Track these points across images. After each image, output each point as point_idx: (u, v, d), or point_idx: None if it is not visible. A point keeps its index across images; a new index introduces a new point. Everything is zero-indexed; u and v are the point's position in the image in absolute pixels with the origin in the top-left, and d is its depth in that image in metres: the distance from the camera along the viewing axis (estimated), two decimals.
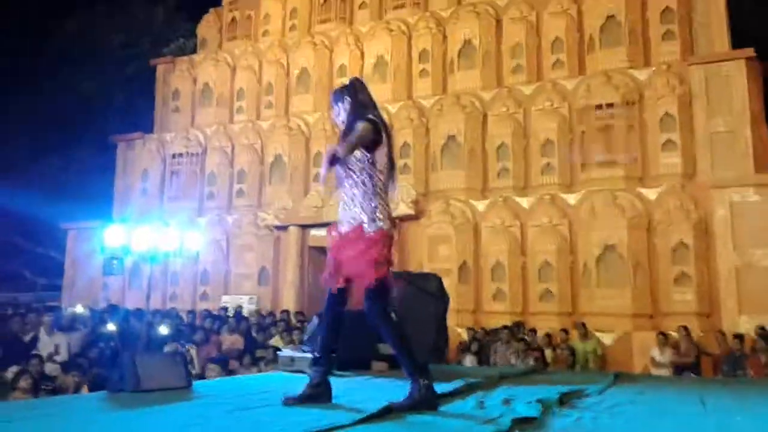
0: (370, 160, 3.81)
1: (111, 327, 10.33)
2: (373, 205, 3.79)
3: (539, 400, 3.67)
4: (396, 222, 4.04)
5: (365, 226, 3.76)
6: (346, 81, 14.78)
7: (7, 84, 21.78)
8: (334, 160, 3.63)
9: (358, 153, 3.80)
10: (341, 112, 3.99)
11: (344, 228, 3.85)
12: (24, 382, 6.76)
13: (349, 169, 3.83)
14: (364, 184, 3.80)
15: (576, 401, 3.86)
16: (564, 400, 3.80)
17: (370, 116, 3.86)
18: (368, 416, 3.25)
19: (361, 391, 4.59)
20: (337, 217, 3.93)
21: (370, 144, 3.81)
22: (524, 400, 3.75)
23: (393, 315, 3.87)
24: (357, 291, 3.84)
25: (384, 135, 3.88)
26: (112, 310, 11.61)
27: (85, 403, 4.17)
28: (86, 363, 8.52)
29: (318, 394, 3.79)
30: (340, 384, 4.79)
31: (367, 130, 3.77)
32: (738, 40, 13.04)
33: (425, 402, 3.53)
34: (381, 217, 3.78)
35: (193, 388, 4.70)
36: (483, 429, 2.90)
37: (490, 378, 5.12)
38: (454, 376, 4.81)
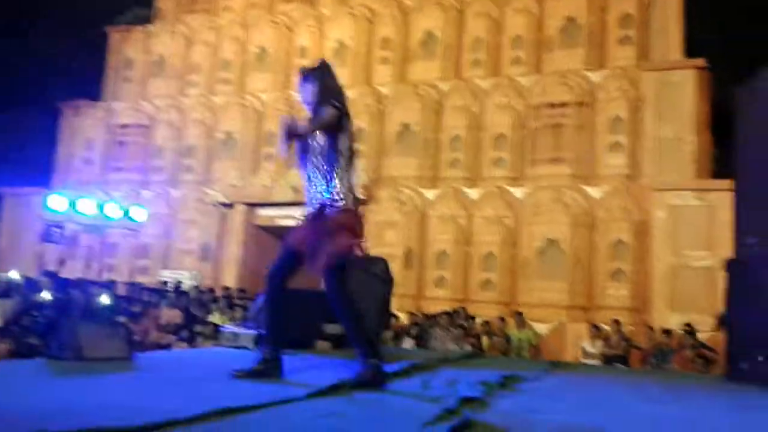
0: (332, 146, 3.84)
1: (46, 295, 10.07)
2: (334, 186, 3.82)
3: (482, 383, 3.76)
4: (360, 206, 4.05)
5: (327, 206, 3.79)
6: (306, 62, 14.72)
7: None
8: (291, 135, 3.67)
9: (320, 137, 3.85)
10: (308, 94, 3.99)
11: (309, 210, 3.88)
12: None
13: (312, 152, 3.87)
14: (324, 166, 3.83)
15: (516, 385, 3.97)
16: (505, 383, 3.90)
17: (336, 103, 3.88)
18: (318, 392, 3.27)
19: (307, 369, 4.61)
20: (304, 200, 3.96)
21: (333, 129, 3.83)
22: (467, 382, 3.83)
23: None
24: (314, 268, 3.85)
25: (347, 122, 3.91)
26: (49, 276, 11.29)
27: (22, 369, 4.07)
28: (19, 331, 8.29)
29: (269, 370, 3.79)
30: (284, 362, 4.81)
31: (333, 116, 3.80)
32: (691, 50, 13.46)
33: (374, 380, 3.59)
34: (342, 197, 3.81)
35: (134, 360, 4.64)
36: (430, 407, 2.96)
37: (432, 361, 5.21)
38: (397, 358, 4.87)
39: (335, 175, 3.82)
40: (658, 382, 5.03)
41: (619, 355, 10.46)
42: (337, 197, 3.80)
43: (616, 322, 10.98)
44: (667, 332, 10.31)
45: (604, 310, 11.96)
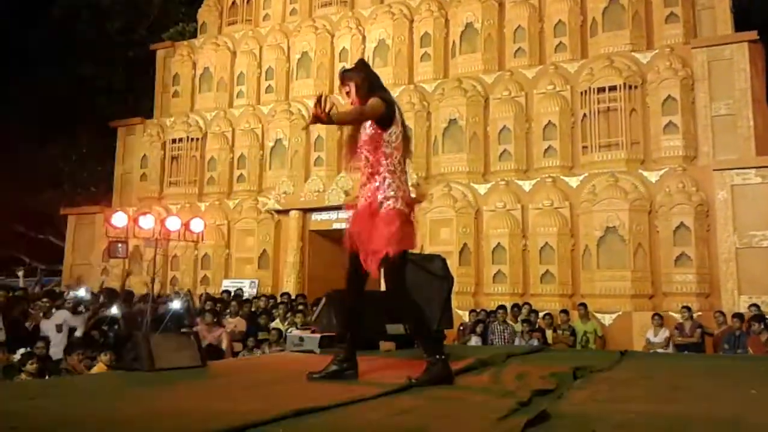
0: (385, 139, 3.81)
1: (114, 310, 10.37)
2: (386, 183, 3.79)
3: (552, 374, 3.73)
4: (413, 201, 4.00)
5: (378, 203, 3.76)
6: (347, 65, 14.77)
7: (6, 69, 21.68)
8: (317, 119, 3.62)
9: (370, 130, 3.80)
10: (351, 91, 3.97)
11: (360, 203, 3.87)
12: (30, 365, 6.79)
13: (364, 147, 3.84)
14: (378, 162, 3.79)
15: (588, 376, 3.91)
16: (577, 374, 3.85)
17: (385, 94, 3.87)
18: (389, 391, 3.29)
19: (375, 370, 4.64)
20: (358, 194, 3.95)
21: (383, 122, 3.79)
22: (538, 375, 3.80)
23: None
24: (370, 267, 3.85)
25: (397, 113, 3.88)
26: (111, 293, 11.65)
27: (105, 381, 4.21)
28: (91, 345, 8.56)
29: (344, 370, 3.82)
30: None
31: (377, 104, 3.75)
32: (740, 23, 13.05)
33: (442, 376, 3.58)
34: (393, 195, 3.77)
35: (207, 368, 4.75)
36: (503, 401, 2.94)
37: (499, 356, 5.18)
38: (463, 355, 4.86)
39: (384, 171, 3.78)
40: (732, 367, 4.89)
41: (693, 343, 10.20)
42: (386, 195, 3.76)
43: (687, 308, 10.71)
44: (738, 316, 10.01)
45: (671, 296, 11.68)
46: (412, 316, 3.86)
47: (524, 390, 3.20)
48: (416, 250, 13.44)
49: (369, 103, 3.77)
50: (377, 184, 3.80)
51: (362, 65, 4.10)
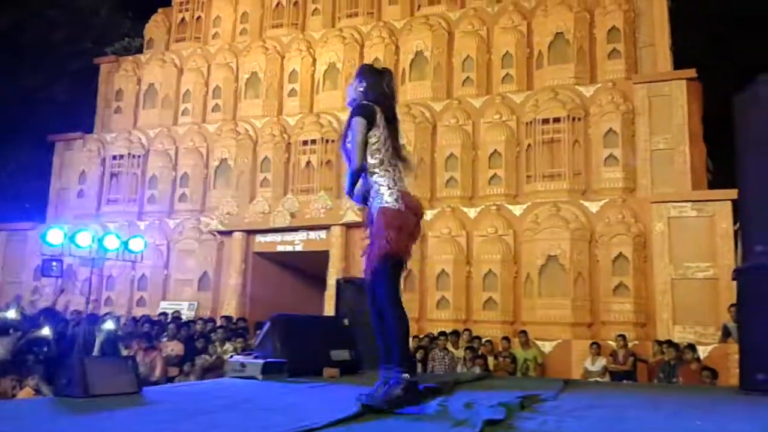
0: (370, 143, 3.83)
1: (46, 332, 9.92)
2: (377, 183, 3.80)
3: (501, 404, 3.70)
4: (411, 199, 3.90)
5: (371, 206, 3.81)
6: (297, 87, 14.69)
7: None
8: (355, 179, 3.82)
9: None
10: (348, 95, 4.14)
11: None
12: None
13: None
14: (367, 164, 3.83)
15: (536, 405, 3.90)
16: (525, 404, 3.83)
17: (363, 102, 3.91)
18: (342, 418, 3.20)
19: (319, 395, 4.55)
20: None
21: (369, 126, 3.84)
22: (486, 404, 3.77)
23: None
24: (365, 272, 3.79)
25: (378, 116, 3.88)
26: (48, 313, 11.17)
27: (34, 408, 3.98)
28: (21, 368, 8.15)
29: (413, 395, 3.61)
30: (295, 390, 4.74)
31: (360, 125, 3.80)
32: (679, 62, 13.61)
33: (407, 397, 3.51)
34: (384, 192, 3.76)
35: (142, 394, 4.55)
36: (455, 431, 2.89)
37: (446, 383, 5.14)
38: None
39: (376, 173, 3.79)
40: (673, 397, 4.98)
41: (626, 371, 10.40)
42: (379, 196, 3.75)
43: (622, 337, 10.93)
44: (673, 345, 10.27)
45: (609, 325, 11.91)
46: (396, 324, 3.71)
47: (475, 419, 3.16)
48: (361, 275, 13.37)
49: (354, 132, 3.83)
50: (369, 187, 3.84)
51: (360, 73, 4.11)
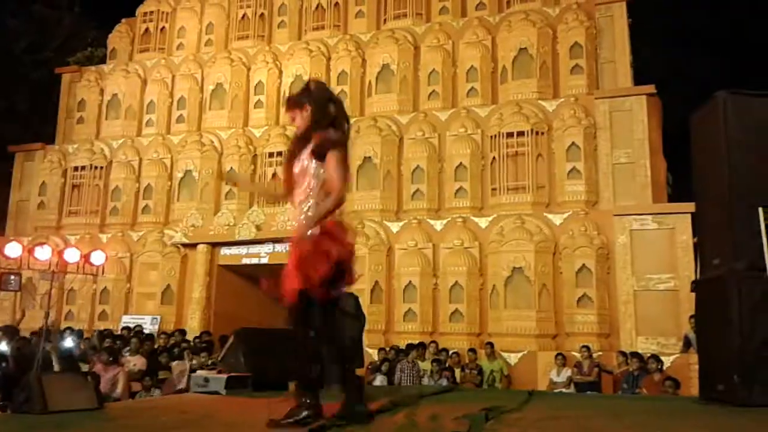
0: (313, 171, 3.77)
1: (3, 347, 9.68)
2: (308, 210, 3.74)
3: (466, 416, 3.72)
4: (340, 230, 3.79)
5: (302, 231, 3.71)
6: (263, 98, 14.59)
7: None
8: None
9: (313, 164, 3.75)
10: (297, 119, 3.90)
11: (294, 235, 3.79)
12: None
13: (301, 177, 3.79)
14: (309, 191, 3.77)
15: (500, 417, 3.93)
16: (490, 416, 3.86)
17: (339, 137, 3.79)
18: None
19: (283, 412, 4.50)
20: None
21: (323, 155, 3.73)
22: (451, 416, 3.78)
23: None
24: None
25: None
26: (7, 330, 10.89)
27: None
28: None
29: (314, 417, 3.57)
30: (259, 405, 4.69)
31: (340, 161, 3.71)
32: (639, 78, 13.94)
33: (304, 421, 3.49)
34: (311, 223, 3.69)
35: (104, 410, 4.48)
36: None
37: (411, 396, 5.15)
38: (375, 396, 4.80)
39: (314, 199, 3.73)
40: (636, 407, 5.05)
41: (591, 382, 10.52)
42: (306, 224, 3.68)
43: (587, 348, 11.07)
44: (637, 356, 10.43)
45: (573, 336, 12.05)
46: (306, 350, 3.72)
47: None
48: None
49: (333, 168, 3.70)
50: (302, 212, 3.75)
51: (313, 90, 3.92)
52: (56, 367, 8.28)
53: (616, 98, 13.30)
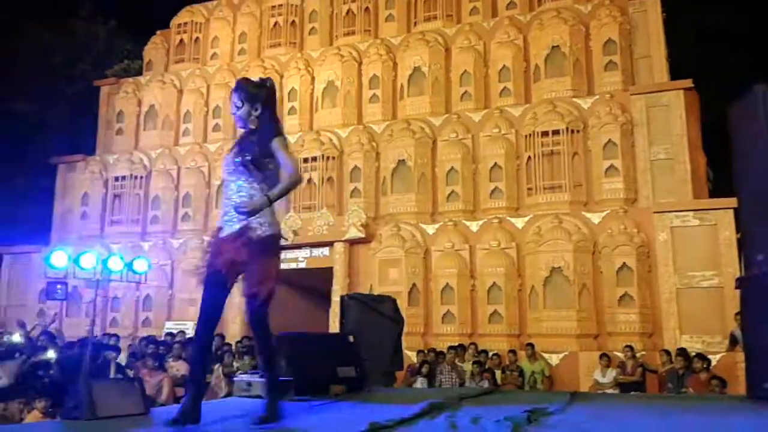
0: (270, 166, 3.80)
1: (51, 354, 9.92)
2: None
3: (507, 418, 3.70)
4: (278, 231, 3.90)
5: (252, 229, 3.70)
6: (296, 105, 14.66)
7: None
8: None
9: (266, 161, 3.77)
10: (244, 109, 3.85)
11: (230, 230, 3.77)
12: None
13: (251, 169, 3.76)
14: (261, 188, 3.75)
15: (542, 419, 3.90)
16: (531, 418, 3.84)
17: (281, 129, 3.90)
18: None
19: (322, 413, 4.55)
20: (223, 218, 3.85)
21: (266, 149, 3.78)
22: (492, 418, 3.77)
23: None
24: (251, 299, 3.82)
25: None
26: (48, 336, 11.17)
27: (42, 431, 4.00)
28: (27, 391, 8.16)
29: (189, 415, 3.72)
30: (301, 408, 4.74)
31: (291, 152, 3.88)
32: (676, 72, 13.70)
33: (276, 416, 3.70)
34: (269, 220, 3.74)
35: (150, 415, 4.56)
36: None
37: (451, 399, 5.13)
38: (414, 398, 4.81)
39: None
40: (681, 407, 4.97)
41: (635, 382, 10.37)
42: (260, 220, 3.69)
43: (630, 348, 10.91)
44: (682, 355, 10.24)
45: (615, 336, 11.88)
46: (270, 349, 3.98)
47: None
48: (365, 291, 13.47)
49: (290, 158, 3.79)
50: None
51: (268, 86, 3.94)
52: (113, 374, 8.47)
53: (652, 94, 13.10)
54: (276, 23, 17.21)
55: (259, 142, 3.77)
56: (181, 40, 18.20)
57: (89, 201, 17.23)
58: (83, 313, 14.45)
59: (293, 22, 17.13)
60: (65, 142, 20.68)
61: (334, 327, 12.09)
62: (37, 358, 9.84)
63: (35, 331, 12.52)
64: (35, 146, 21.38)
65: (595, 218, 12.71)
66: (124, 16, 24.86)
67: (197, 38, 18.08)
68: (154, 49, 18.70)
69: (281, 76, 16.57)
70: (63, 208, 17.86)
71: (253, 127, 3.85)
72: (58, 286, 9.44)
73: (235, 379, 6.39)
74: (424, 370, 10.95)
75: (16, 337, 11.25)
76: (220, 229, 3.86)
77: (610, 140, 12.99)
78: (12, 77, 22.10)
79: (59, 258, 9.54)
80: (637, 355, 11.01)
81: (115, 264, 10.09)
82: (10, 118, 21.91)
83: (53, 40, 23.75)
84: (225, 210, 3.83)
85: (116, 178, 17.08)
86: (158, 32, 18.81)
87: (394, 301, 9.23)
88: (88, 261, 9.98)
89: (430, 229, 13.73)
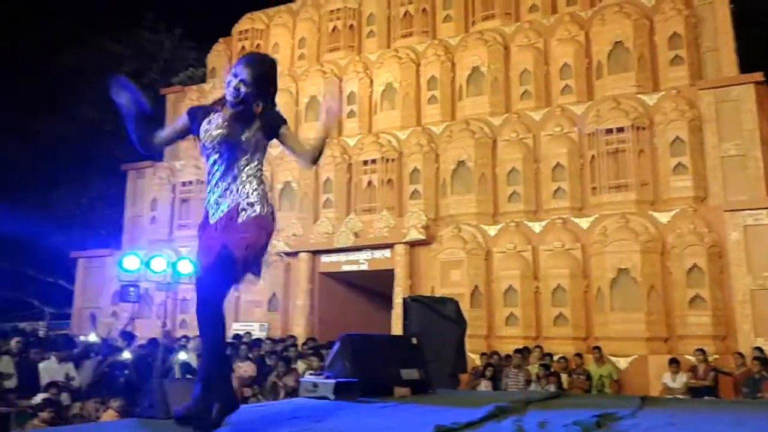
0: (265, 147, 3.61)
1: (126, 355, 10.30)
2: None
3: (576, 423, 3.65)
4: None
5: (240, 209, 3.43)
6: (355, 108, 14.71)
7: (23, 114, 22.01)
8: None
9: (260, 136, 3.53)
10: (253, 93, 3.48)
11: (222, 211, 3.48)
12: (46, 413, 6.72)
13: (245, 147, 3.49)
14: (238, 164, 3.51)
15: (612, 424, 3.83)
16: (600, 423, 3.77)
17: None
18: None
19: (392, 417, 4.57)
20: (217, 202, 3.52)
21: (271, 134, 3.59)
22: (560, 423, 3.72)
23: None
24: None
25: None
26: (126, 336, 11.58)
27: (118, 430, 4.16)
28: (103, 391, 8.49)
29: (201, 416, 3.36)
30: (368, 410, 4.79)
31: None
32: (746, 65, 13.19)
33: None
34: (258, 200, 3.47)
35: None
36: None
37: (518, 402, 5.09)
38: (480, 401, 4.78)
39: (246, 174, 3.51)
40: (758, 413, 4.79)
41: (707, 387, 10.04)
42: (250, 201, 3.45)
43: (702, 351, 10.58)
44: (758, 358, 9.87)
45: (686, 339, 11.52)
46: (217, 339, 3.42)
47: None
48: (426, 293, 13.51)
49: (303, 142, 3.71)
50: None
51: (274, 75, 3.63)
52: (177, 374, 8.73)
53: (721, 88, 12.65)
54: (334, 27, 17.39)
55: (270, 127, 3.53)
56: (243, 47, 18.56)
57: (158, 206, 17.76)
58: (154, 315, 14.91)
59: (351, 25, 17.27)
60: (134, 149, 21.40)
61: (396, 329, 12.14)
62: (113, 358, 10.24)
63: (113, 332, 13.03)
64: (106, 153, 22.22)
65: (663, 217, 12.36)
66: (188, 25, 25.62)
67: (258, 45, 18.42)
68: (216, 57, 19.16)
69: (340, 80, 16.73)
70: (133, 213, 18.48)
71: (258, 110, 3.50)
72: (131, 289, 9.82)
73: (301, 380, 6.49)
74: (488, 372, 10.88)
75: (92, 337, 11.72)
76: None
77: (677, 137, 12.61)
78: (83, 87, 23.03)
79: (131, 262, 9.92)
80: (709, 358, 10.67)
81: (184, 267, 10.41)
82: (83, 126, 22.86)
83: (122, 50, 24.65)
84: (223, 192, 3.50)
85: (183, 183, 17.56)
86: (220, 40, 19.26)
87: (456, 303, 9.20)
88: (159, 264, 10.34)
89: (492, 230, 13.61)
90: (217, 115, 3.57)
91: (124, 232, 18.45)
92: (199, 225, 3.65)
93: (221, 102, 3.60)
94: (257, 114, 3.52)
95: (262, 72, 3.55)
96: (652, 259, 12.01)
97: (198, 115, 3.65)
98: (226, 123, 3.52)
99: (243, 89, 3.46)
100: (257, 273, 3.54)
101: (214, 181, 3.55)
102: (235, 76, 3.49)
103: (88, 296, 17.70)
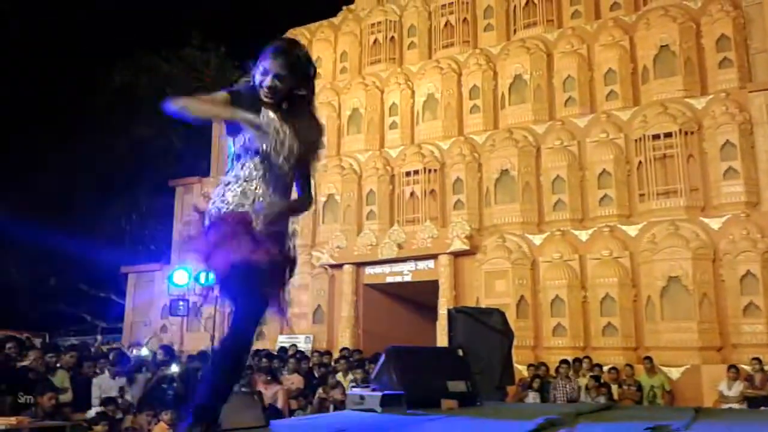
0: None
1: (175, 368, 10.46)
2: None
3: None
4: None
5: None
6: (397, 120, 14.70)
7: (75, 132, 22.72)
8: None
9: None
10: (284, 89, 3.11)
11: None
12: (101, 427, 6.88)
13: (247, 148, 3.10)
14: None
15: None
16: None
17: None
18: None
19: (441, 430, 4.55)
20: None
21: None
22: None
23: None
24: None
25: None
26: (165, 350, 11.79)
27: None
28: (154, 405, 8.63)
29: None
30: (415, 422, 4.77)
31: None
32: None
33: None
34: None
35: (270, 428, 4.72)
36: None
37: (568, 414, 5.00)
38: (529, 413, 4.72)
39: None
40: None
41: (764, 396, 9.73)
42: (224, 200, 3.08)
43: (758, 360, 10.25)
44: None
45: (741, 348, 11.18)
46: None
47: None
48: (471, 303, 13.41)
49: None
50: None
51: (313, 72, 3.28)
52: None
53: None
54: (376, 40, 17.50)
55: (308, 137, 3.20)
56: None
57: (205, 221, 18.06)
58: (202, 327, 15.15)
59: (392, 38, 17.36)
60: (182, 165, 21.88)
61: (442, 340, 12.06)
62: (163, 372, 10.42)
63: (152, 345, 13.27)
64: (156, 169, 22.76)
65: (715, 224, 12.05)
66: (233, 42, 26.10)
67: None
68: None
69: (381, 92, 16.81)
70: (181, 227, 18.84)
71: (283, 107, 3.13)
72: (180, 303, 10.00)
73: (348, 392, 6.51)
74: (536, 384, 10.73)
75: (144, 351, 11.96)
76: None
77: (727, 141, 12.31)
78: (135, 106, 23.69)
79: (181, 276, 10.11)
80: (766, 367, 10.32)
81: None
82: (134, 144, 23.47)
83: (170, 68, 25.25)
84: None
85: None
86: None
87: (502, 314, 9.09)
88: (207, 278, 10.51)
89: (537, 239, 13.46)
90: (274, 118, 3.10)
91: (173, 247, 18.80)
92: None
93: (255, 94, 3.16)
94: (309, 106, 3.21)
95: (312, 74, 3.20)
96: (704, 266, 11.71)
97: (242, 105, 3.09)
98: (292, 131, 3.12)
99: (279, 85, 3.08)
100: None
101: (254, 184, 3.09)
102: (266, 73, 3.10)
103: (139, 310, 18.09)
